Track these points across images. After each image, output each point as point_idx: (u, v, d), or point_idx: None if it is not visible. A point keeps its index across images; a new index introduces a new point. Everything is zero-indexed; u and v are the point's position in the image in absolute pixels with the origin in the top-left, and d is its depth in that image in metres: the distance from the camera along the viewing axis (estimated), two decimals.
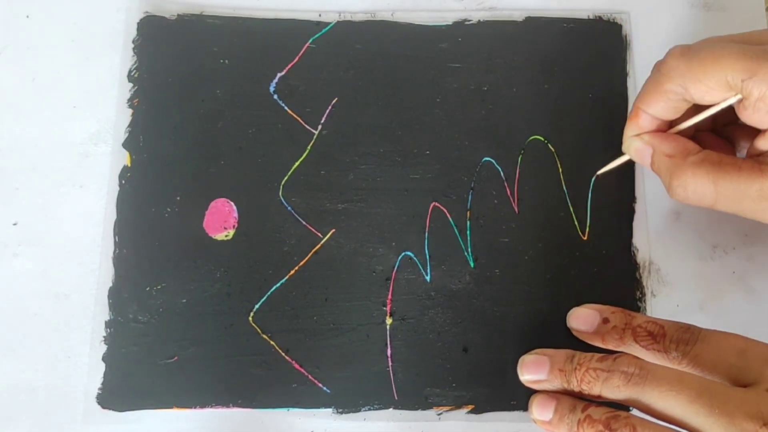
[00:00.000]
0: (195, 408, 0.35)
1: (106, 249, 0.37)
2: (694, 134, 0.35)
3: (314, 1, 0.41)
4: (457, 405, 0.36)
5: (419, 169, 0.38)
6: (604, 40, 0.40)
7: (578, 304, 0.35)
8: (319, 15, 0.40)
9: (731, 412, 0.27)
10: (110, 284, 0.37)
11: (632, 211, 0.38)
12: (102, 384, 0.35)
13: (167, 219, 0.37)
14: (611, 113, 0.39)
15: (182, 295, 0.36)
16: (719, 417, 0.27)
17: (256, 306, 0.36)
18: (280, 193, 0.38)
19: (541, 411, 0.32)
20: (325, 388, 0.36)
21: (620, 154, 0.36)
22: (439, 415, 0.36)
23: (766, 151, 0.31)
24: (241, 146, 0.38)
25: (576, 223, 0.38)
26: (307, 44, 0.40)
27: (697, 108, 0.32)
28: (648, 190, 0.38)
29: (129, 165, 0.38)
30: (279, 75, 0.39)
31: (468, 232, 0.38)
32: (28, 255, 0.37)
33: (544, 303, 0.37)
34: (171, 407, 0.35)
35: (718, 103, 0.31)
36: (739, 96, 0.30)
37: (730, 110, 0.32)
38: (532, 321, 0.36)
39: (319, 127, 0.39)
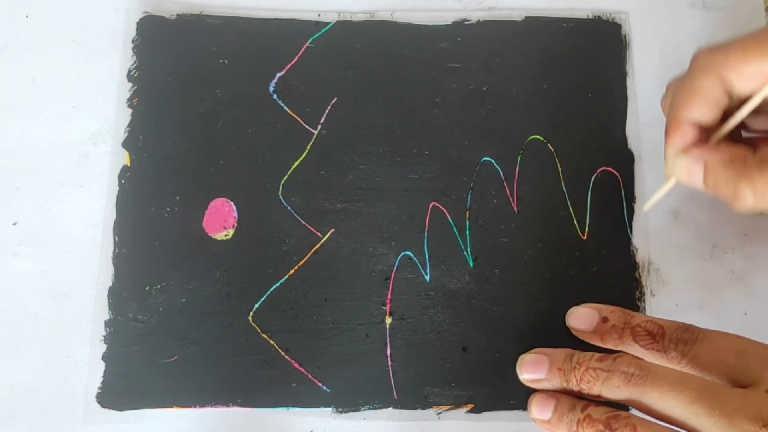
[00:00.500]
0: (195, 407, 0.35)
1: (106, 249, 0.37)
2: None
3: (314, 1, 0.41)
4: (457, 404, 0.36)
5: (419, 168, 0.38)
6: (604, 39, 0.40)
7: (578, 304, 0.35)
8: (319, 15, 0.40)
9: (731, 413, 0.27)
10: (110, 284, 0.37)
11: (632, 211, 0.38)
12: (102, 383, 0.35)
13: (167, 219, 0.37)
14: (610, 113, 0.39)
15: (182, 295, 0.37)
16: (719, 418, 0.27)
17: (256, 305, 0.37)
18: (280, 193, 0.38)
19: (540, 410, 0.32)
20: (324, 388, 0.36)
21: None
22: (438, 414, 0.36)
23: None
24: (241, 146, 0.38)
25: (575, 222, 0.38)
26: (307, 44, 0.40)
27: (726, 114, 0.31)
28: (648, 189, 0.38)
29: (129, 165, 0.38)
30: (278, 75, 0.39)
31: (467, 232, 0.38)
32: (28, 255, 0.37)
33: (543, 302, 0.37)
34: (171, 406, 0.35)
35: (756, 94, 0.30)
36: None
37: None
38: (531, 320, 0.36)
39: (319, 126, 0.39)
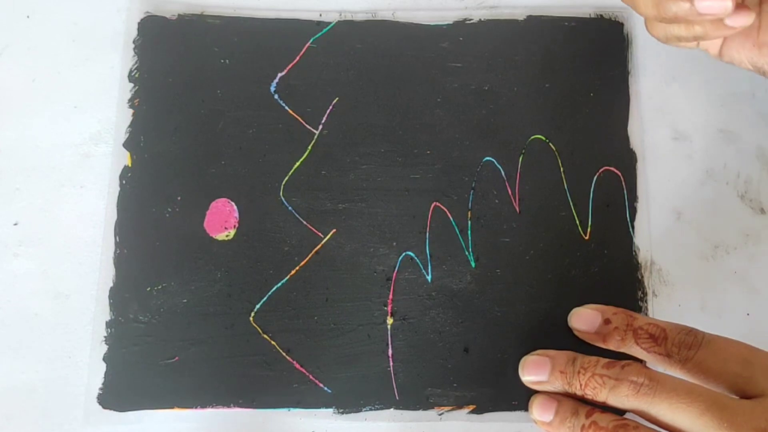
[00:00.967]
0: (196, 408, 0.35)
1: (107, 249, 0.37)
2: None
3: (315, 0, 0.41)
4: (459, 405, 0.36)
5: (420, 168, 0.38)
6: (606, 38, 0.40)
7: (579, 304, 0.35)
8: (320, 15, 0.40)
9: (740, 425, 0.27)
10: (111, 284, 0.37)
11: (634, 211, 0.38)
12: (103, 384, 0.35)
13: (168, 219, 0.37)
14: (613, 112, 0.39)
15: (183, 296, 0.36)
16: (728, 430, 0.27)
17: (257, 306, 0.36)
18: (281, 193, 0.38)
19: (541, 412, 0.32)
20: (326, 388, 0.36)
21: None
22: (440, 415, 0.35)
23: None
24: (242, 146, 0.38)
25: (577, 222, 0.38)
26: (308, 44, 0.40)
27: None
28: (650, 189, 0.38)
29: (130, 165, 0.38)
30: (280, 75, 0.39)
31: (469, 232, 0.38)
32: (29, 255, 0.37)
33: (545, 303, 0.37)
34: (172, 407, 0.35)
35: None
36: None
37: None
38: (533, 320, 0.36)
39: (320, 127, 0.39)
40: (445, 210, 0.38)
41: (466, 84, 0.39)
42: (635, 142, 0.39)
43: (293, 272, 0.37)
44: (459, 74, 0.39)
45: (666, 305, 0.37)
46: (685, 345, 0.30)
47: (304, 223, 0.38)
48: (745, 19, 0.29)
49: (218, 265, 0.37)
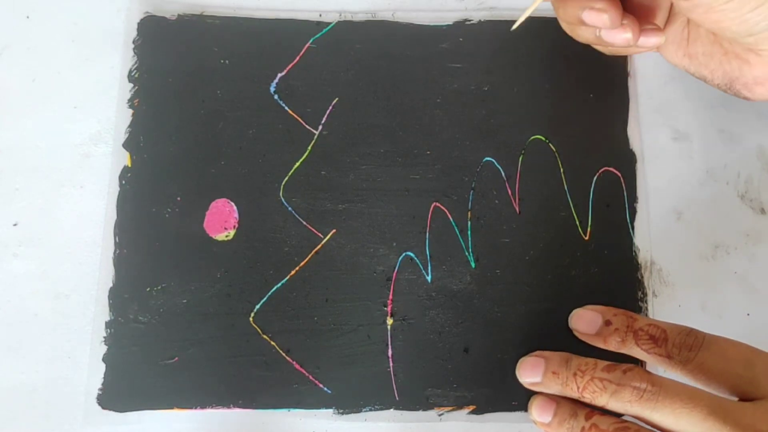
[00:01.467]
0: (195, 409, 0.35)
1: (107, 249, 0.37)
2: None
3: (315, 1, 0.41)
4: (459, 405, 0.36)
5: (420, 169, 0.38)
6: None
7: (580, 305, 0.35)
8: (320, 15, 0.40)
9: (743, 429, 0.27)
10: (110, 285, 0.37)
11: (634, 211, 0.38)
12: (102, 384, 0.35)
13: (168, 219, 0.37)
14: (612, 113, 0.39)
15: (183, 296, 0.36)
16: None
17: (257, 306, 0.36)
18: (281, 194, 0.38)
19: (540, 413, 0.32)
20: (326, 389, 0.36)
21: None
22: (440, 415, 0.35)
23: None
24: (242, 146, 0.38)
25: (577, 223, 0.38)
26: (308, 44, 0.40)
27: None
28: (650, 189, 0.38)
29: (129, 165, 0.38)
30: (279, 75, 0.39)
31: (469, 233, 0.37)
32: (29, 255, 0.37)
33: (545, 303, 0.37)
34: (171, 408, 0.35)
35: None
36: None
37: None
38: (533, 321, 0.36)
39: (320, 127, 0.39)
40: (445, 210, 0.38)
41: (466, 84, 0.39)
42: (635, 143, 0.39)
43: (293, 272, 0.37)
44: (459, 75, 0.39)
45: (666, 305, 0.37)
46: (685, 346, 0.30)
47: (304, 223, 0.38)
48: (656, 41, 0.32)
49: (218, 266, 0.37)
